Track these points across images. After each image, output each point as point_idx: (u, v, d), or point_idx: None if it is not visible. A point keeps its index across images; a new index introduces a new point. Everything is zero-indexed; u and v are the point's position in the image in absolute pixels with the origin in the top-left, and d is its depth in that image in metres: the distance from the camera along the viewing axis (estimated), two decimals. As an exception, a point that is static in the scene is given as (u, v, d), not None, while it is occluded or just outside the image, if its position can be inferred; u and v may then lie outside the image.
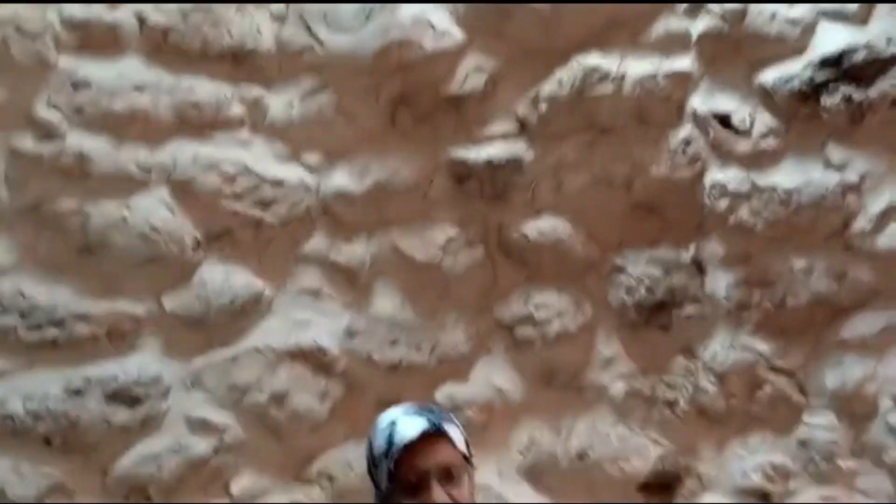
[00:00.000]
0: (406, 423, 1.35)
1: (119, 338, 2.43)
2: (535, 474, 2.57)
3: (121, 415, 2.40)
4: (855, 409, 2.25)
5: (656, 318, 2.50)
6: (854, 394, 2.24)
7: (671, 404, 2.50)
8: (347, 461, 2.54)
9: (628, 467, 2.51)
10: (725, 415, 2.45)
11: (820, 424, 2.31)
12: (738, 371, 2.40)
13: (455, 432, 1.39)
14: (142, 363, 2.44)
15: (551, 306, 2.55)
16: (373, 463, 1.39)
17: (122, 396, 2.40)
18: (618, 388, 2.55)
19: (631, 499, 2.54)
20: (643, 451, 2.52)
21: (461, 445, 1.39)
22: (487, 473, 2.55)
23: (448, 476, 1.34)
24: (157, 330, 2.47)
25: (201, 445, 2.45)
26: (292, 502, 2.50)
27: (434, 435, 1.34)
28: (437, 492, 1.31)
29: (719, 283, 2.42)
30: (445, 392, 2.56)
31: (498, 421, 2.58)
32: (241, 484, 2.49)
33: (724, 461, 2.46)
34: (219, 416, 2.48)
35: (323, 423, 2.53)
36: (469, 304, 2.62)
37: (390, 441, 1.34)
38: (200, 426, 2.47)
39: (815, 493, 2.32)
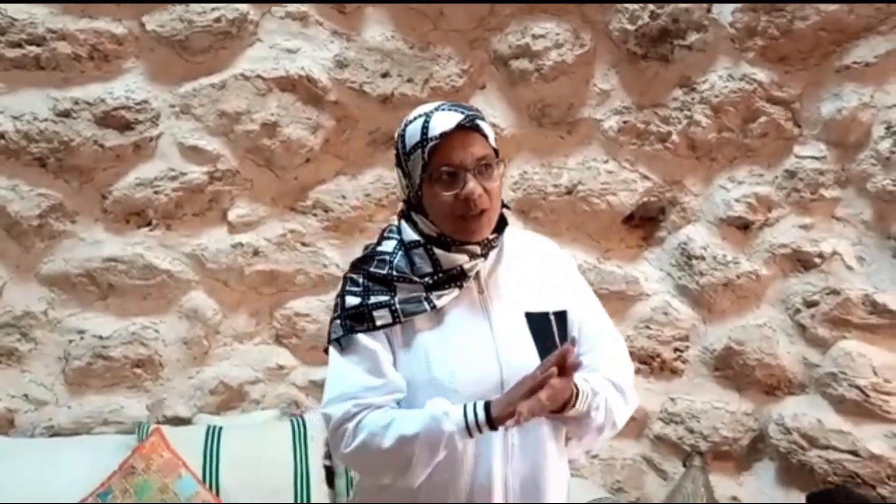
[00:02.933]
0: (440, 116, 1.33)
1: (102, 59, 2.36)
2: (525, 208, 2.62)
3: (112, 139, 2.39)
4: (847, 137, 2.27)
5: (657, 48, 2.42)
6: (848, 122, 2.24)
7: (663, 138, 2.50)
8: (341, 192, 2.58)
9: (615, 201, 2.57)
10: (716, 147, 2.46)
11: (809, 155, 2.34)
12: (735, 102, 2.38)
13: (487, 129, 1.37)
14: (128, 87, 2.40)
15: (549, 37, 2.46)
16: (404, 154, 1.36)
17: (112, 120, 2.38)
18: (611, 123, 2.53)
19: (616, 232, 2.62)
20: (631, 185, 2.56)
21: (493, 142, 1.37)
22: (478, 207, 2.60)
23: (482, 169, 1.33)
24: (140, 52, 2.40)
25: (196, 173, 2.47)
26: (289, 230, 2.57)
27: (468, 128, 1.32)
28: (472, 184, 1.31)
29: (726, 7, 2.32)
30: (438, 125, 2.54)
31: (490, 156, 2.59)
32: (238, 212, 2.54)
33: (710, 194, 2.51)
34: (211, 144, 2.47)
35: (316, 155, 2.53)
36: (464, 35, 2.52)
37: (425, 132, 1.32)
38: (193, 153, 2.47)
39: (794, 222, 2.40)
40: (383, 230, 1.49)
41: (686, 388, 2.59)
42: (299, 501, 2.31)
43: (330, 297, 2.54)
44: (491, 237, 1.38)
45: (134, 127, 2.40)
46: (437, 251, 1.36)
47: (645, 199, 2.57)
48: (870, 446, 2.25)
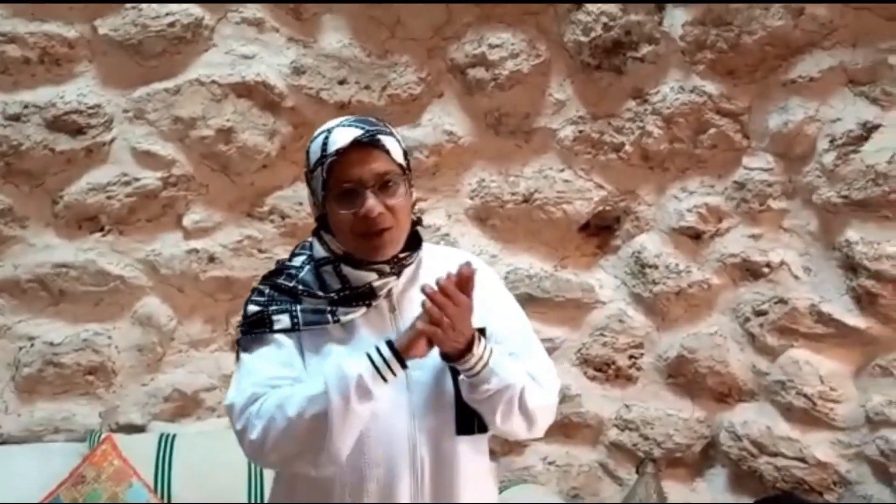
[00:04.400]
0: (340, 132, 1.30)
1: (53, 63, 2.34)
2: (483, 216, 2.63)
3: (63, 143, 2.37)
4: (793, 150, 2.31)
5: (611, 59, 2.45)
6: (794, 134, 2.28)
7: (617, 148, 2.53)
8: (298, 199, 2.57)
9: (571, 210, 2.59)
10: (668, 158, 2.50)
11: (758, 166, 2.38)
12: (685, 113, 2.41)
13: (392, 143, 1.32)
14: (80, 91, 2.38)
15: (505, 46, 2.48)
16: (308, 171, 1.35)
17: (63, 124, 2.36)
18: (567, 132, 2.56)
19: (572, 240, 2.65)
20: (586, 194, 2.58)
21: (398, 157, 1.33)
22: (436, 215, 2.62)
23: (384, 186, 1.30)
24: (93, 56, 2.38)
25: (150, 178, 2.46)
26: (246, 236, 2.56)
27: (368, 144, 1.29)
28: (371, 201, 1.27)
29: (677, 20, 2.36)
30: (395, 133, 2.55)
31: (448, 164, 2.61)
32: (193, 217, 2.53)
33: (663, 203, 2.55)
34: (165, 150, 2.46)
35: (272, 161, 2.52)
36: (421, 43, 2.53)
37: (324, 148, 1.29)
38: (147, 158, 2.46)
39: (743, 232, 2.44)
40: (296, 246, 1.47)
41: (640, 395, 2.62)
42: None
43: (287, 304, 2.52)
44: (402, 255, 1.35)
45: (86, 131, 2.38)
46: (346, 269, 1.33)
47: (600, 208, 2.59)
48: (816, 453, 2.29)
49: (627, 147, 2.51)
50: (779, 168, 2.36)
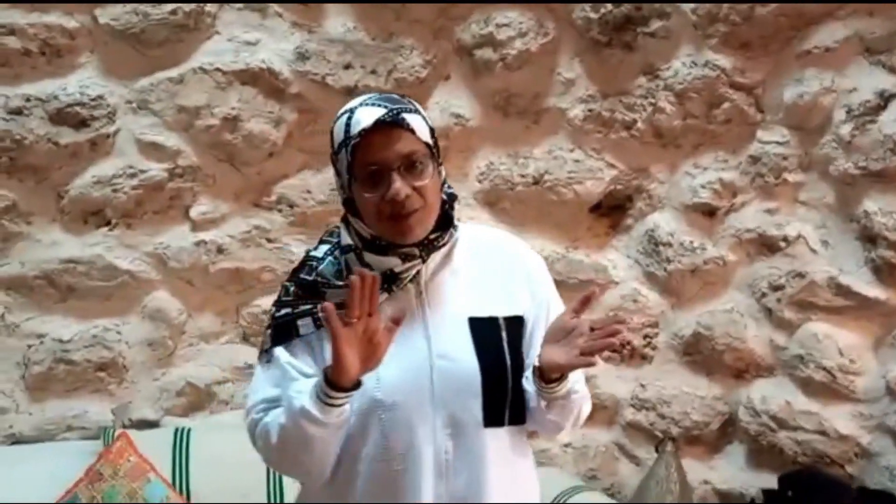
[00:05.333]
0: (363, 112, 1.25)
1: (54, 54, 2.29)
2: (492, 199, 2.61)
3: (68, 136, 2.33)
4: (809, 122, 2.30)
5: (621, 35, 2.43)
6: (810, 106, 2.27)
7: (629, 126, 2.51)
8: (306, 187, 2.54)
9: (582, 190, 2.57)
10: (681, 134, 2.48)
11: (772, 140, 2.37)
12: (698, 88, 2.39)
13: (417, 122, 1.26)
14: (82, 83, 2.33)
15: (513, 26, 2.45)
16: (333, 154, 1.30)
17: (66, 117, 2.32)
18: (577, 111, 2.53)
19: (583, 221, 2.63)
20: (597, 174, 2.56)
21: (424, 135, 1.27)
22: (445, 199, 2.59)
23: (411, 167, 1.24)
24: (94, 47, 2.33)
25: (156, 169, 2.42)
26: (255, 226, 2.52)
27: (392, 124, 1.23)
28: (398, 183, 1.22)
29: (688, -6, 2.35)
30: (403, 117, 2.52)
31: (456, 147, 2.57)
32: (200, 209, 2.49)
33: (676, 180, 2.53)
34: (171, 140, 2.42)
35: (279, 149, 2.49)
36: (426, 25, 2.50)
37: (348, 130, 1.24)
38: (152, 150, 2.42)
39: (759, 207, 2.42)
40: (324, 233, 1.42)
41: (656, 374, 2.61)
42: (272, 501, 2.28)
43: (297, 294, 2.50)
44: (433, 237, 1.30)
45: (90, 124, 2.34)
46: (368, 255, 1.29)
47: (612, 187, 2.57)
48: (837, 426, 2.29)
49: (639, 124, 2.49)
50: (794, 141, 2.34)
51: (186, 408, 2.52)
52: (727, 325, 2.47)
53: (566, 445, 2.67)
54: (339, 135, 1.28)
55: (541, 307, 1.37)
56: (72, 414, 2.43)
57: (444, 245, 1.33)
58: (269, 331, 1.34)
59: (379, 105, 1.26)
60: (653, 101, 2.45)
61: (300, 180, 2.54)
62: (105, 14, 2.31)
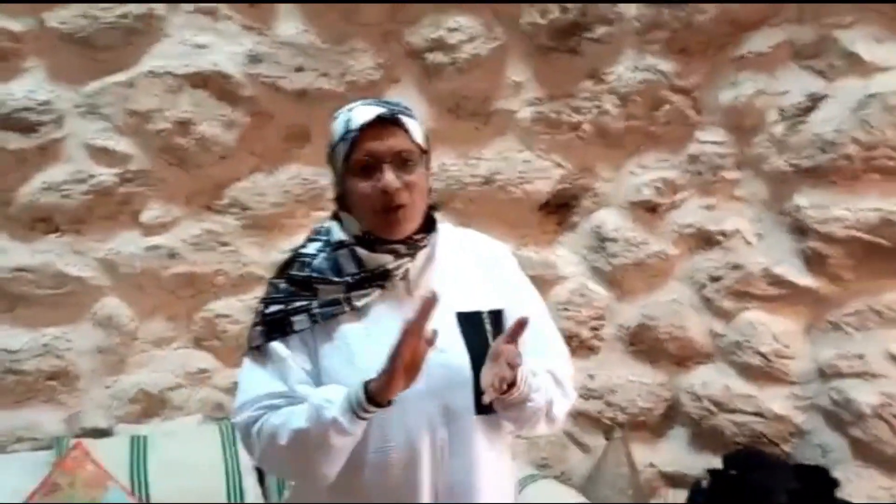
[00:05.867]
0: (363, 109, 1.33)
1: (0, 59, 2.23)
2: (445, 199, 2.65)
3: (15, 142, 2.27)
4: (744, 122, 2.44)
5: (566, 41, 2.52)
6: (744, 108, 2.40)
7: (575, 127, 2.60)
8: (259, 190, 2.54)
9: (531, 189, 2.65)
10: (625, 135, 2.59)
11: (710, 140, 2.50)
12: (641, 91, 2.50)
13: (413, 124, 1.35)
14: (29, 87, 2.28)
15: (463, 30, 2.51)
16: (330, 149, 1.37)
17: (13, 122, 2.26)
18: (525, 113, 2.61)
19: (532, 218, 2.71)
20: (546, 173, 2.65)
21: (418, 138, 1.35)
22: (397, 200, 2.63)
23: (402, 163, 1.32)
24: (42, 51, 2.28)
25: (106, 174, 2.38)
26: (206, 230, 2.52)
27: (390, 122, 1.32)
28: (390, 175, 1.30)
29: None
30: (355, 119, 2.55)
31: (407, 149, 2.61)
32: (151, 213, 2.47)
33: (620, 179, 2.64)
34: (121, 145, 2.39)
35: (231, 152, 2.49)
36: (377, 28, 2.53)
37: (347, 125, 1.32)
38: (102, 155, 2.38)
39: (698, 203, 2.55)
40: (311, 231, 1.46)
41: (603, 364, 2.71)
42: (232, 503, 2.29)
43: (251, 297, 2.50)
44: (417, 237, 1.36)
45: (37, 129, 2.29)
46: (361, 251, 1.35)
47: (559, 186, 2.67)
48: (773, 407, 2.43)
49: (585, 126, 2.59)
50: (730, 140, 2.48)
51: (139, 415, 2.49)
52: (670, 316, 2.60)
53: (517, 436, 2.74)
54: (338, 129, 1.35)
55: (516, 299, 1.44)
56: (23, 425, 2.38)
57: (425, 245, 1.39)
58: (257, 327, 1.36)
59: (379, 105, 1.35)
60: (598, 103, 2.55)
61: (252, 183, 2.54)
62: (53, 17, 2.26)
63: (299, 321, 1.33)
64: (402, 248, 1.35)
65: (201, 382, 2.58)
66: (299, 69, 2.48)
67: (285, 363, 1.33)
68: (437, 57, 2.53)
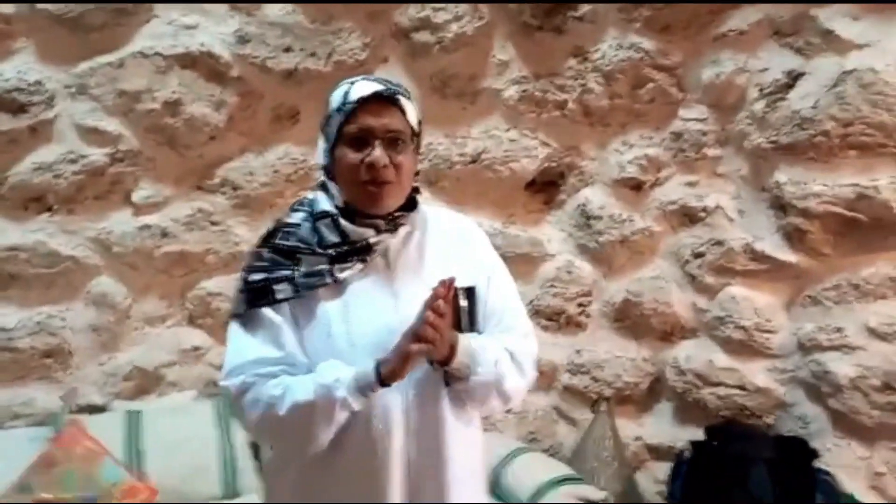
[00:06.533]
0: (363, 84, 1.36)
1: (-10, 39, 2.26)
2: (432, 178, 2.69)
3: (6, 123, 2.30)
4: (725, 100, 2.47)
5: (551, 19, 2.54)
6: (726, 86, 2.43)
7: (560, 106, 2.63)
8: (249, 169, 2.58)
9: (518, 167, 2.69)
10: (609, 113, 2.62)
11: (693, 117, 2.53)
12: (624, 70, 2.53)
13: (409, 106, 1.38)
14: (19, 68, 2.30)
15: (449, 9, 2.53)
16: (325, 118, 1.39)
17: (4, 103, 2.29)
18: (511, 92, 2.64)
19: (519, 197, 2.75)
20: (532, 152, 2.68)
21: (412, 120, 1.38)
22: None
23: (393, 142, 1.34)
24: (31, 32, 2.31)
25: (97, 154, 2.41)
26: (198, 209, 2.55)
27: (387, 100, 1.35)
28: (379, 151, 1.32)
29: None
30: (343, 99, 2.57)
31: (395, 128, 2.64)
32: (142, 193, 2.50)
33: (605, 157, 2.67)
34: (111, 125, 2.42)
35: (220, 132, 2.51)
36: (363, 8, 2.55)
37: (346, 97, 1.35)
38: (93, 135, 2.41)
39: (681, 180, 2.59)
40: (293, 203, 1.49)
41: (590, 340, 2.76)
42: (226, 478, 2.34)
43: (243, 275, 2.53)
44: (397, 214, 1.39)
45: (28, 109, 2.32)
46: (343, 222, 1.37)
47: (545, 164, 2.70)
48: (755, 380, 2.48)
49: (570, 104, 2.62)
50: (712, 118, 2.51)
51: (134, 392, 2.53)
52: (654, 292, 2.64)
53: (507, 411, 2.79)
54: (336, 100, 1.38)
55: (489, 276, 1.48)
56: (18, 402, 2.42)
57: (404, 223, 1.42)
58: (242, 294, 1.39)
59: (379, 83, 1.38)
60: (582, 81, 2.58)
61: (242, 162, 2.57)
62: (42, -2, 2.28)
63: (282, 290, 1.36)
64: (381, 224, 1.38)
65: (195, 360, 2.62)
66: (287, 49, 2.50)
67: (280, 329, 1.36)
68: (424, 36, 2.55)
